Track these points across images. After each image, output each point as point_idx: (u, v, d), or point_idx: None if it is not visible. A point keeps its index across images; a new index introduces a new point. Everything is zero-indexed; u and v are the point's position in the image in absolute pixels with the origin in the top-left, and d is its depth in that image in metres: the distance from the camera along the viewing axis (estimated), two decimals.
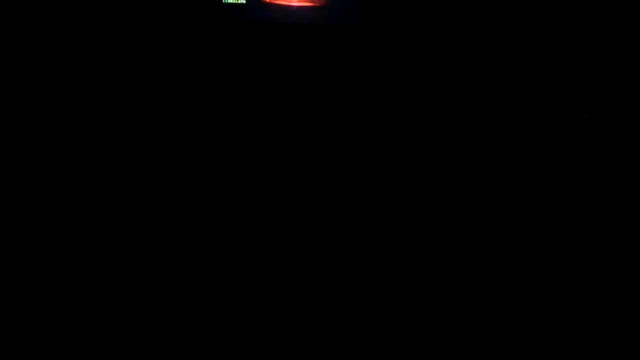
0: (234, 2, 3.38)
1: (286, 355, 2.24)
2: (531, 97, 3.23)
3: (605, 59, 3.15)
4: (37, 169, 2.97)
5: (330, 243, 2.74)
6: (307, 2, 3.36)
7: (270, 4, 3.37)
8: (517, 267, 2.62)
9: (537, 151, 3.10)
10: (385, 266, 2.65)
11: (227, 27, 3.41)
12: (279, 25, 3.40)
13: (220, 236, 2.75)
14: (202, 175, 3.09)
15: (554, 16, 3.20)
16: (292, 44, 3.40)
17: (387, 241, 2.76)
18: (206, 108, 3.34)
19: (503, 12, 3.24)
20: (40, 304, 2.34)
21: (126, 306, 2.37)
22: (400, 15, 3.31)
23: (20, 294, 2.37)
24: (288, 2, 3.36)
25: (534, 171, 3.05)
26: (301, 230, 2.80)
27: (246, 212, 2.91)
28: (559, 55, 3.22)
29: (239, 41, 3.42)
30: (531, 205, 2.92)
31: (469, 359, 2.24)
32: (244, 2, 3.38)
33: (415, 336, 2.31)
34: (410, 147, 3.21)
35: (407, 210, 2.93)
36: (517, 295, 2.48)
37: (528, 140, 3.15)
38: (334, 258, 2.66)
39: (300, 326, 2.34)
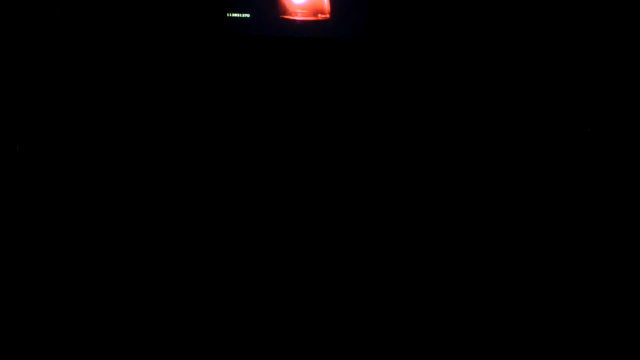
0: (238, 16, 3.43)
1: (286, 355, 2.24)
2: (538, 109, 3.34)
3: (608, 63, 3.28)
4: (41, 179, 2.91)
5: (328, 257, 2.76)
6: (310, 16, 3.44)
7: (274, 18, 3.43)
8: (516, 269, 2.69)
9: (540, 174, 3.19)
10: (384, 270, 2.68)
11: (232, 41, 3.45)
12: (282, 39, 3.47)
13: (216, 248, 2.74)
14: (202, 191, 3.09)
15: (558, 30, 3.33)
16: (295, 58, 3.46)
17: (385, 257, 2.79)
18: (212, 121, 3.35)
19: (506, 26, 3.37)
20: (42, 308, 2.29)
21: (126, 307, 2.35)
22: (404, 29, 3.41)
23: (21, 298, 2.32)
24: (292, 16, 3.43)
25: (537, 193, 3.13)
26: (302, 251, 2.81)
27: (248, 229, 2.90)
28: (562, 70, 3.35)
29: (243, 55, 3.46)
30: (531, 218, 3.00)
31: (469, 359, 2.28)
32: (248, 16, 3.44)
33: (415, 336, 2.34)
34: (414, 161, 3.27)
35: (409, 227, 2.98)
36: (517, 295, 2.54)
37: (532, 159, 3.24)
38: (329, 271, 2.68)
39: (300, 326, 2.34)
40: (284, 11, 3.42)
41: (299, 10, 3.42)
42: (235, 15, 3.42)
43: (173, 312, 2.33)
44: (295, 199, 3.09)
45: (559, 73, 3.33)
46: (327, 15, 3.42)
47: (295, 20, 3.44)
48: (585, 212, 2.97)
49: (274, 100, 3.44)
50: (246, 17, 3.43)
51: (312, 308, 2.41)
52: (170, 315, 2.31)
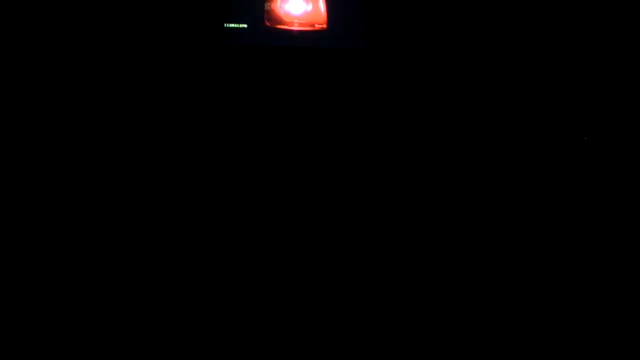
0: (236, 26, 3.44)
1: (286, 355, 2.26)
2: (535, 127, 3.28)
3: (607, 68, 3.20)
4: (39, 191, 2.96)
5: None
6: (307, 26, 3.42)
7: (272, 28, 3.42)
8: (515, 270, 2.67)
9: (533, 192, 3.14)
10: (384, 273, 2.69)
11: (229, 50, 3.46)
12: (279, 49, 3.46)
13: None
14: (196, 202, 3.11)
15: (560, 45, 3.27)
16: (293, 68, 3.45)
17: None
18: (209, 130, 3.36)
19: (507, 37, 3.31)
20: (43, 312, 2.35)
21: (126, 307, 2.39)
22: (402, 39, 3.37)
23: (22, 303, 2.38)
24: (289, 26, 3.42)
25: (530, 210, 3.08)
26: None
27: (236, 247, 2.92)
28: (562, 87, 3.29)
29: (241, 64, 3.47)
30: (527, 227, 2.97)
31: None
32: (246, 26, 3.44)
33: (415, 336, 2.34)
34: (412, 175, 3.25)
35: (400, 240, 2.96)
36: (517, 295, 2.52)
37: (525, 180, 3.18)
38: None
39: (300, 326, 2.36)
40: (281, 21, 3.41)
41: (296, 21, 3.40)
42: (232, 25, 3.43)
43: (172, 313, 2.38)
44: (290, 211, 3.09)
45: (555, 91, 3.27)
46: (324, 26, 3.40)
47: (292, 31, 3.42)
48: (582, 214, 2.94)
49: (271, 110, 3.44)
50: (243, 27, 3.43)
51: (311, 308, 2.44)
52: (170, 316, 2.36)
